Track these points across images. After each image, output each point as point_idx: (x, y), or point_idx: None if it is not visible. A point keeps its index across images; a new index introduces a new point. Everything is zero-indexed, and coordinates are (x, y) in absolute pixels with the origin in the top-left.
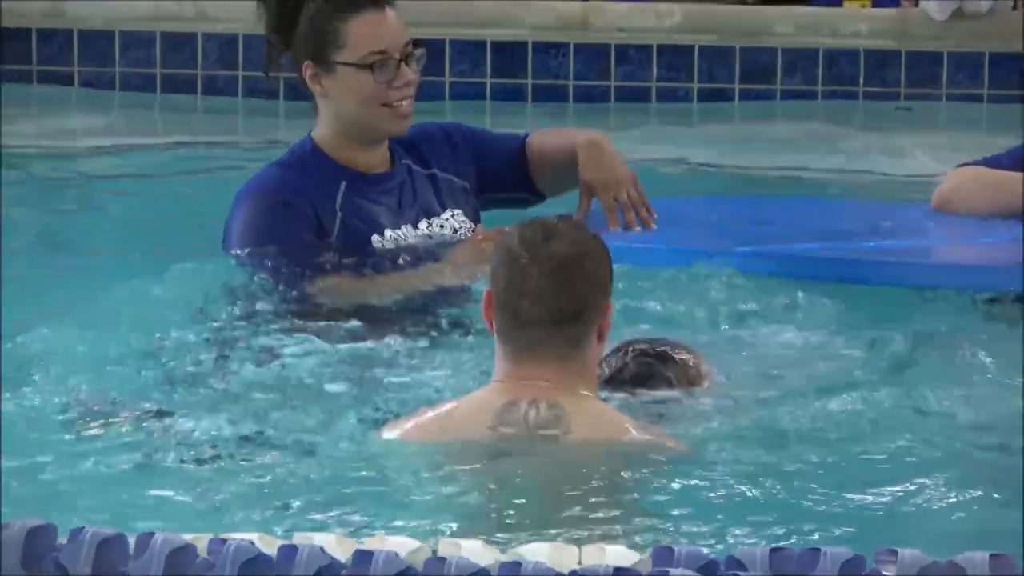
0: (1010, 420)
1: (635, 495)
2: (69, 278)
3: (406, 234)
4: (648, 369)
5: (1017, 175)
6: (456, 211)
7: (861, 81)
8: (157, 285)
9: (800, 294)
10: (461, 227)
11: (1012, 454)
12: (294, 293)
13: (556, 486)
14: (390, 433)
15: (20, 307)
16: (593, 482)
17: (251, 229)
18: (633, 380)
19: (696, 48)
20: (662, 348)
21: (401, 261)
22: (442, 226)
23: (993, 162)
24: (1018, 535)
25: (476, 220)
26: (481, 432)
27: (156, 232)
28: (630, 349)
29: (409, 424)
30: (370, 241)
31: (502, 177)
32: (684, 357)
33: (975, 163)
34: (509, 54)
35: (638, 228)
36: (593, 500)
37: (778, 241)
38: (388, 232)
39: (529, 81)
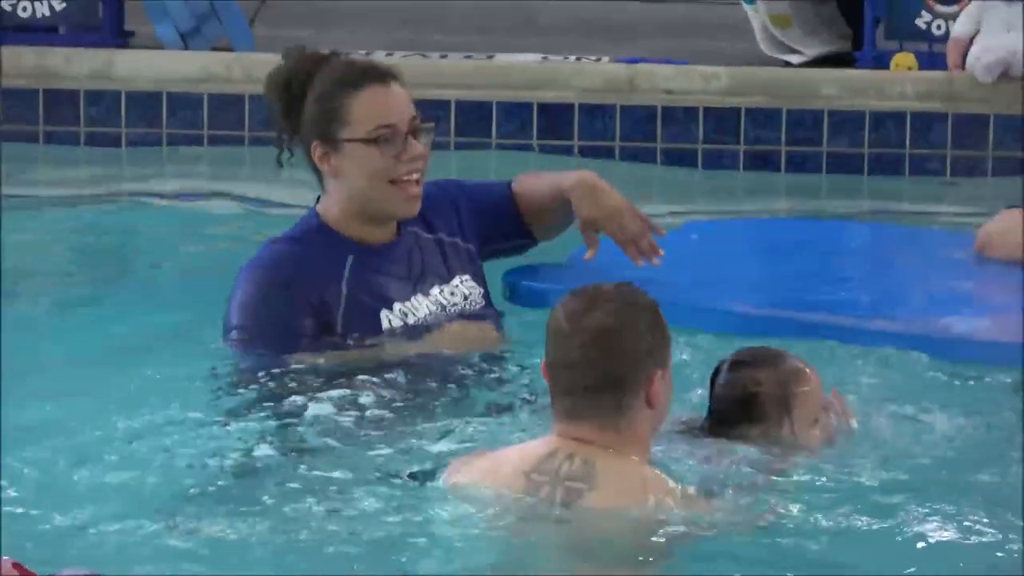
0: None
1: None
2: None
3: (416, 305)
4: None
5: None
6: (464, 276)
7: (907, 144)
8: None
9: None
10: (471, 293)
11: None
12: (272, 383)
13: (566, 548)
14: (451, 470)
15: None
16: (603, 548)
17: (248, 311)
18: (723, 401)
19: (743, 110)
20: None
21: (401, 344)
22: (452, 293)
23: None
24: None
25: (482, 282)
26: (518, 476)
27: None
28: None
29: (468, 462)
30: (378, 316)
31: (502, 230)
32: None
33: None
34: (557, 117)
35: (656, 260)
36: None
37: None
38: (397, 305)
39: (576, 142)
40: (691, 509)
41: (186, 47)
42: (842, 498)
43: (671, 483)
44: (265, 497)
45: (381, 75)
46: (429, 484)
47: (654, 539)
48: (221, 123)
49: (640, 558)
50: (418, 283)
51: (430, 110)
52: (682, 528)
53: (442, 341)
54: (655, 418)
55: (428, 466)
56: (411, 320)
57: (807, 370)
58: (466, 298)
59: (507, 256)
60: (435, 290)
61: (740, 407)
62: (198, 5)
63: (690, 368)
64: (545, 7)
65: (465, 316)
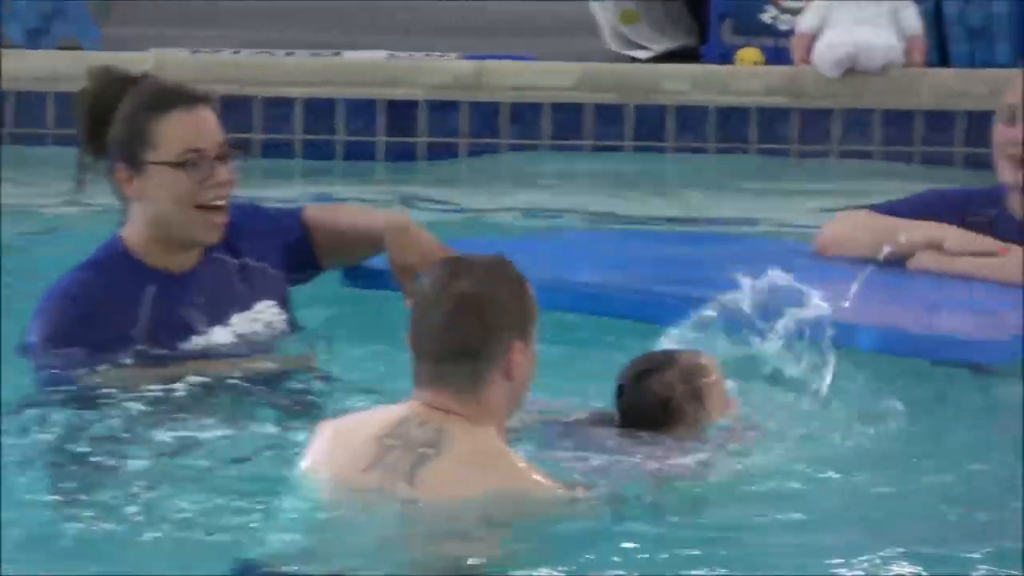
0: None
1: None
2: None
3: (214, 337)
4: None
5: (894, 220)
6: (268, 302)
7: (755, 138)
8: None
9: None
10: (273, 320)
11: None
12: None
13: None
14: (318, 435)
15: None
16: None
17: (48, 342)
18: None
19: (590, 106)
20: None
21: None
22: (254, 320)
23: (887, 209)
24: None
25: (287, 308)
26: (370, 441)
27: None
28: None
29: (334, 426)
30: (176, 350)
31: (294, 260)
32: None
33: (870, 207)
34: (402, 113)
35: None
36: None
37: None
38: (195, 339)
39: (425, 139)
40: (539, 489)
41: (34, 46)
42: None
43: (520, 461)
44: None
45: (190, 99)
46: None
47: (493, 516)
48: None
49: (477, 536)
50: (218, 313)
51: (276, 108)
52: (523, 506)
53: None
54: (513, 391)
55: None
56: (210, 353)
57: (705, 361)
58: (268, 325)
59: (292, 285)
60: (235, 319)
61: (657, 414)
62: (45, 4)
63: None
64: (393, 6)
65: (265, 347)
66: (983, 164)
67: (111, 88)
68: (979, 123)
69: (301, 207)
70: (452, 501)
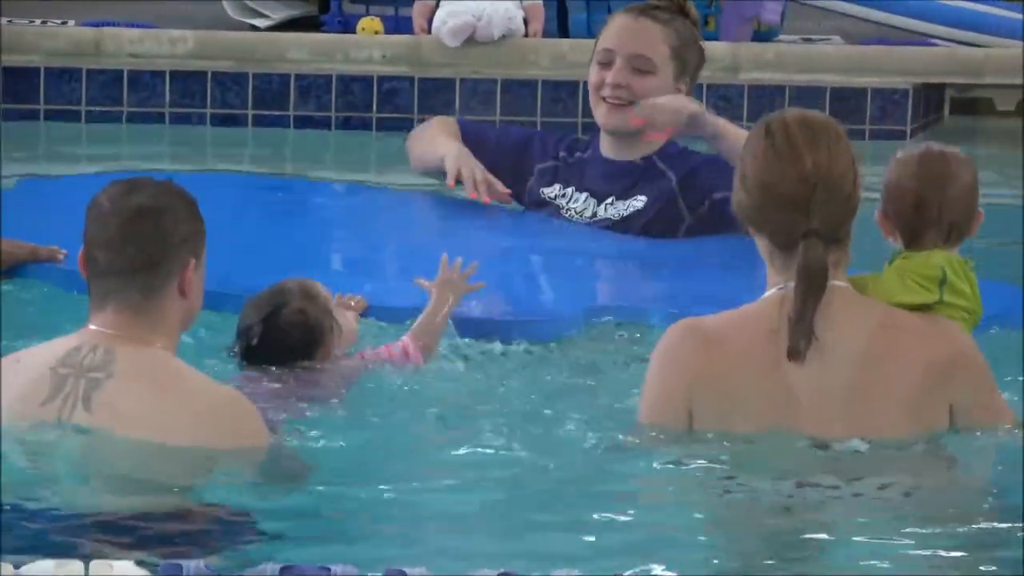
0: None
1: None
2: None
3: None
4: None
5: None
6: None
7: (375, 107)
8: None
9: None
10: None
11: None
12: None
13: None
14: None
15: None
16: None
17: None
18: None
19: (209, 74)
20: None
21: None
22: None
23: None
24: None
25: None
26: (44, 372)
27: None
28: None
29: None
30: None
31: None
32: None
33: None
34: (23, 79)
35: None
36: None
37: None
38: None
39: (42, 106)
40: (218, 401)
41: None
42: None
43: (194, 372)
44: None
45: None
46: None
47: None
48: None
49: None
50: None
51: None
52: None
53: None
54: (187, 309)
55: None
56: None
57: (315, 283)
58: None
59: None
60: None
61: (300, 347)
62: None
63: None
64: None
65: None
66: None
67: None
68: None
69: None
70: (133, 426)
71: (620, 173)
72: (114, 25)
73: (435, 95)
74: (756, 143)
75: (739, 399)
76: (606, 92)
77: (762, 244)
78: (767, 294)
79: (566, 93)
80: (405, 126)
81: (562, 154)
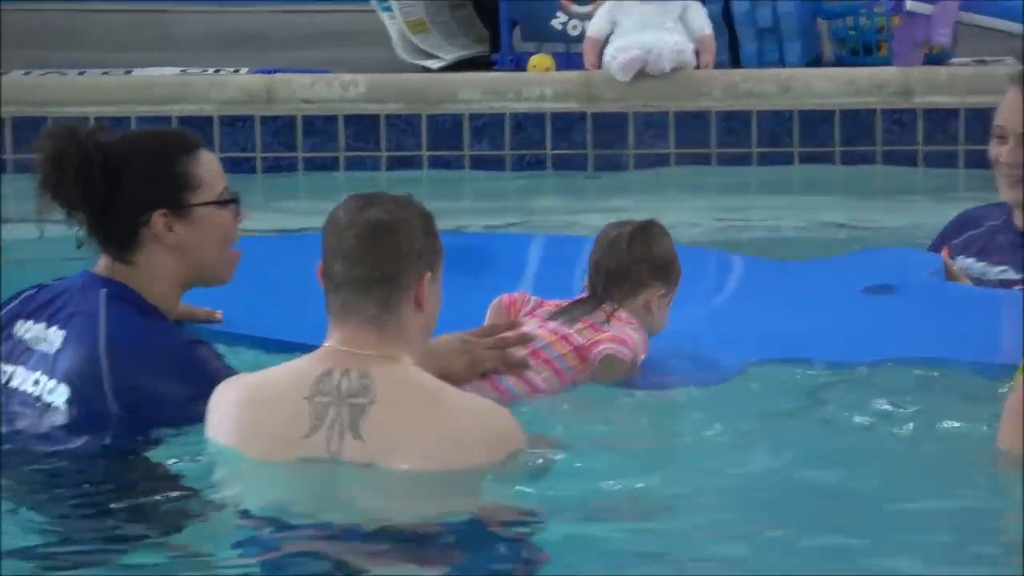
0: None
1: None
2: None
3: None
4: None
5: None
6: None
7: (548, 144)
8: None
9: None
10: None
11: None
12: None
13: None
14: (216, 399)
15: None
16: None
17: (201, 376)
18: None
19: (382, 117)
20: None
21: None
22: None
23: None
24: None
25: None
26: (300, 404)
27: None
28: None
29: (238, 388)
30: None
31: None
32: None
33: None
34: (197, 128)
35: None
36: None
37: None
38: None
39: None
40: (484, 415)
41: None
42: None
43: (449, 388)
44: None
45: (197, 139)
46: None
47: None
48: None
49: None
50: None
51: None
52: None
53: None
54: (425, 322)
55: None
56: None
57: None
58: None
59: None
60: None
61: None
62: None
63: None
64: (181, 20)
65: None
66: (778, 161)
67: (88, 142)
68: (772, 121)
69: None
70: (404, 453)
71: None
72: (285, 72)
73: (608, 130)
74: None
75: None
76: (1003, 170)
77: None
78: None
79: (739, 123)
80: (579, 162)
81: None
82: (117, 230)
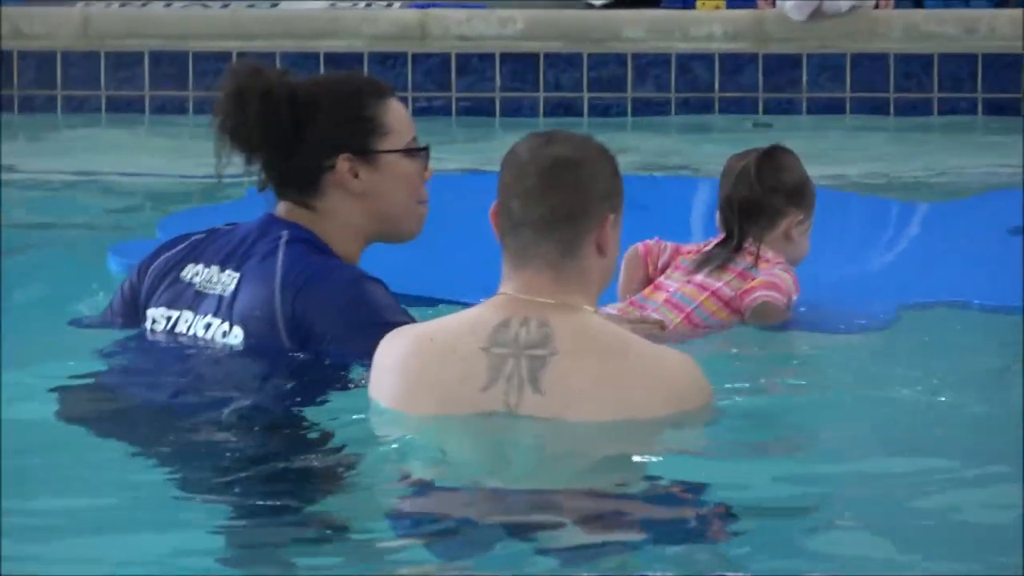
0: None
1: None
2: None
3: None
4: None
5: None
6: None
7: (716, 87)
8: None
9: None
10: None
11: None
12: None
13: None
14: (382, 353)
15: None
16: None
17: (389, 306)
18: None
19: (541, 56)
20: None
21: None
22: None
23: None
24: None
25: None
26: (477, 356)
27: None
28: None
29: (408, 339)
30: None
31: None
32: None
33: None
34: (345, 66)
35: None
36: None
37: None
38: None
39: None
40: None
41: None
42: None
43: (635, 338)
44: None
45: (388, 86)
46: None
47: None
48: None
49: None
50: None
51: (212, 63)
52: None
53: None
54: (605, 268)
55: None
56: None
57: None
58: None
59: None
60: None
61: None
62: None
63: None
64: None
65: None
66: (960, 110)
67: (276, 79)
68: (953, 65)
69: None
70: (586, 405)
71: None
72: (440, 7)
73: (780, 72)
74: None
75: None
76: None
77: None
78: None
79: (919, 67)
80: (749, 106)
81: None
82: (299, 173)
